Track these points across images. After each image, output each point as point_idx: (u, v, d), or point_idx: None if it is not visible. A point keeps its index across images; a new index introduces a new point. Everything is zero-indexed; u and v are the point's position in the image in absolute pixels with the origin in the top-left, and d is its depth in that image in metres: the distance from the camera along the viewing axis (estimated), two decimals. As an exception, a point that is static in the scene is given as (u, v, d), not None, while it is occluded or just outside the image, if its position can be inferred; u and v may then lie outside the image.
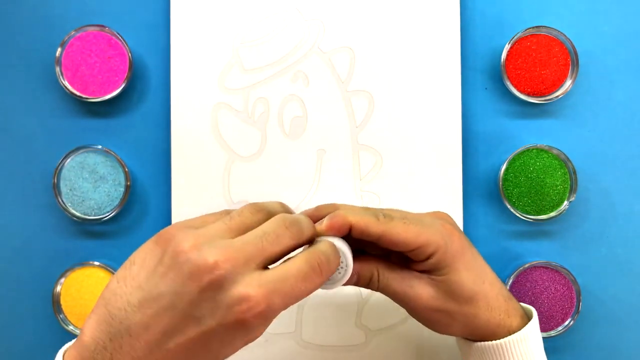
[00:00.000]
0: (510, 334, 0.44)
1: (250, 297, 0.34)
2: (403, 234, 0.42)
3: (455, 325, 0.45)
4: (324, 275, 0.38)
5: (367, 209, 0.44)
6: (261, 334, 0.36)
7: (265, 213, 0.39)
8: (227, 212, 0.39)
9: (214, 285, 0.34)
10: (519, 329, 0.44)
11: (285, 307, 0.36)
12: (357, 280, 0.45)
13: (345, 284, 0.43)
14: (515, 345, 0.44)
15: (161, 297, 0.34)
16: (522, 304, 0.47)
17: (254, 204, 0.40)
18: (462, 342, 0.48)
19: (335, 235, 0.42)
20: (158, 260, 0.35)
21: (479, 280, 0.44)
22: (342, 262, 0.41)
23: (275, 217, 0.38)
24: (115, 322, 0.34)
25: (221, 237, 0.36)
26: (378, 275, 0.45)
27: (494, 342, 0.44)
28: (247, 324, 0.34)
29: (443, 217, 0.46)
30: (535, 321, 0.45)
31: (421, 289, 0.44)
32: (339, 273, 0.42)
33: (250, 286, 0.34)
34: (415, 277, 0.44)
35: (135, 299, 0.34)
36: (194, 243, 0.35)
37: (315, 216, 0.44)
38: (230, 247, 0.35)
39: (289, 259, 0.38)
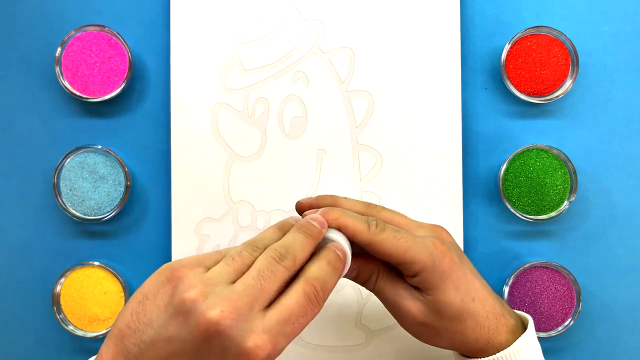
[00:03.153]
0: (498, 352, 0.44)
1: (258, 346, 0.35)
2: (391, 248, 0.42)
3: (442, 341, 0.46)
4: (320, 304, 0.39)
5: (365, 207, 0.45)
6: None
7: (262, 249, 0.40)
8: (225, 253, 0.40)
9: (221, 337, 0.35)
10: (509, 346, 0.44)
11: (288, 344, 0.37)
12: (356, 275, 0.45)
13: (344, 277, 0.44)
14: None
15: (171, 341, 0.36)
16: (521, 313, 0.47)
17: (250, 242, 0.41)
18: (456, 357, 0.48)
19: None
20: (168, 300, 0.36)
21: (467, 298, 0.44)
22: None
23: (265, 252, 0.39)
24: (130, 356, 0.36)
25: (225, 281, 0.37)
26: (377, 277, 0.45)
27: (482, 359, 0.45)
28: None
29: (439, 235, 0.46)
30: (526, 336, 0.44)
31: (410, 302, 0.44)
32: None
33: (257, 334, 0.35)
34: (408, 289, 0.45)
35: (147, 337, 0.36)
36: (201, 291, 0.36)
37: (314, 205, 0.45)
38: (233, 294, 0.36)
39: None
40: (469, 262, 0.46)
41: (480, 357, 0.45)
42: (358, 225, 0.43)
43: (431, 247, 0.43)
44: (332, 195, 0.47)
